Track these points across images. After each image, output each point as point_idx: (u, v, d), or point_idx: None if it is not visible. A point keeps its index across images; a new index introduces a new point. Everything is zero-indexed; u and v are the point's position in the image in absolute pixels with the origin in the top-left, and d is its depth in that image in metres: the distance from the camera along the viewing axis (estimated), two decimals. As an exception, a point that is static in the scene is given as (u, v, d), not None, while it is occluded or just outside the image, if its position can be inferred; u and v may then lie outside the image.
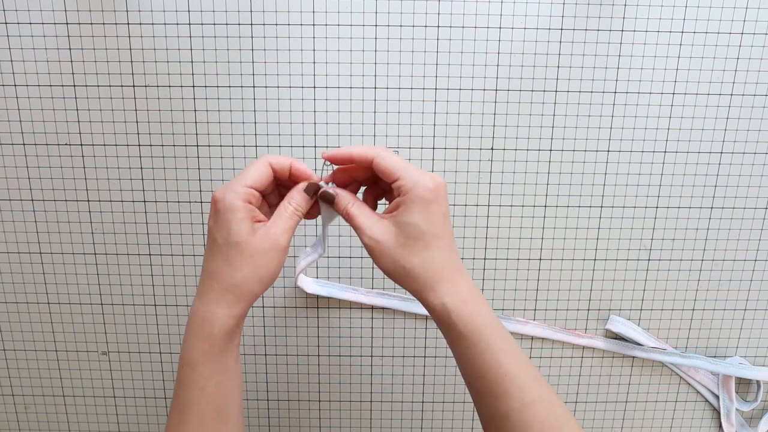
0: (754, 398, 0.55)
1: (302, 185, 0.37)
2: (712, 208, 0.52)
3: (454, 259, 0.36)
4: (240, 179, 0.35)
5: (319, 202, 0.38)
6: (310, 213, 0.39)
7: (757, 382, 0.55)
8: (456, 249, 0.36)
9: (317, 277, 0.53)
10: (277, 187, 0.39)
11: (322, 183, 0.37)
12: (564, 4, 0.47)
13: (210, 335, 0.35)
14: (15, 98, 0.49)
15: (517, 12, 0.47)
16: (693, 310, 0.54)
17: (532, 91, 0.49)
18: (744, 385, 0.56)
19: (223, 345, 0.35)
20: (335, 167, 0.39)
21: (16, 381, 0.56)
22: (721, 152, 0.50)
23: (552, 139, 0.50)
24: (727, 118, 0.49)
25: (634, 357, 0.55)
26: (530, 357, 0.55)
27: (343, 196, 0.37)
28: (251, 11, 0.47)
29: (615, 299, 0.54)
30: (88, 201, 0.51)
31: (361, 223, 0.36)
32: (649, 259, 0.53)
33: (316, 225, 0.51)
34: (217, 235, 0.35)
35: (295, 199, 0.36)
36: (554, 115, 0.49)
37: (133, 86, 0.49)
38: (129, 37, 0.47)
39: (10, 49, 0.48)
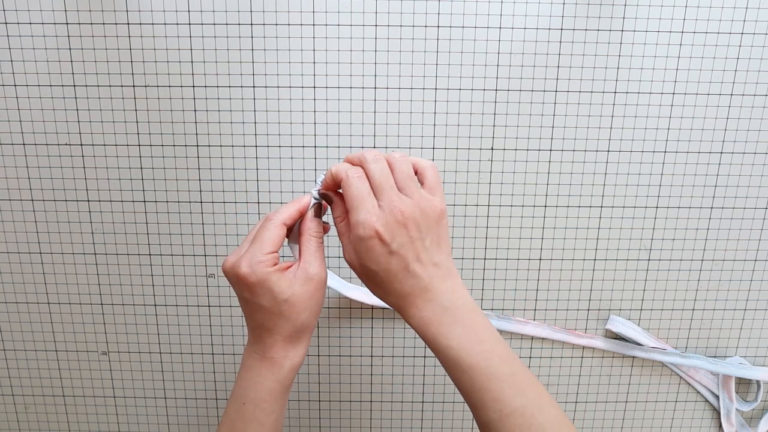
0: (754, 398, 0.55)
1: (310, 213, 0.38)
2: (712, 208, 0.52)
3: (418, 285, 0.36)
4: (259, 247, 0.36)
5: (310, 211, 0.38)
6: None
7: (757, 382, 0.55)
8: (421, 274, 0.36)
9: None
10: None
11: (314, 191, 0.38)
12: (564, 4, 0.47)
13: (279, 375, 0.37)
14: (15, 98, 0.49)
15: (517, 12, 0.47)
16: (693, 310, 0.54)
17: (532, 91, 0.49)
18: (744, 385, 0.56)
19: (289, 383, 0.38)
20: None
21: (16, 381, 0.56)
22: (721, 152, 0.50)
23: (552, 139, 0.50)
24: (727, 118, 0.49)
25: (634, 357, 0.55)
26: (530, 357, 0.55)
27: (337, 206, 0.37)
28: (251, 11, 0.47)
29: (615, 299, 0.54)
30: (88, 201, 0.51)
31: (342, 243, 0.37)
32: (649, 259, 0.53)
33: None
34: (262, 301, 0.36)
35: (312, 228, 0.37)
36: (554, 115, 0.49)
37: (133, 86, 0.49)
38: (129, 37, 0.47)
39: (10, 49, 0.48)
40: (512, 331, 0.54)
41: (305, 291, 0.36)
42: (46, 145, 0.50)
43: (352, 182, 0.35)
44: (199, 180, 0.51)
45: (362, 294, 0.52)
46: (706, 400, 0.56)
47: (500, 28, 0.47)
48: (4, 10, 0.47)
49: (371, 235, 0.34)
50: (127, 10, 0.47)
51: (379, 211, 0.34)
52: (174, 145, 0.50)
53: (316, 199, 0.38)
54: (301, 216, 0.38)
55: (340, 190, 0.37)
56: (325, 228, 0.40)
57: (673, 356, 0.53)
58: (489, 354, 0.35)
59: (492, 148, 0.50)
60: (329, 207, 0.38)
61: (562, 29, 0.47)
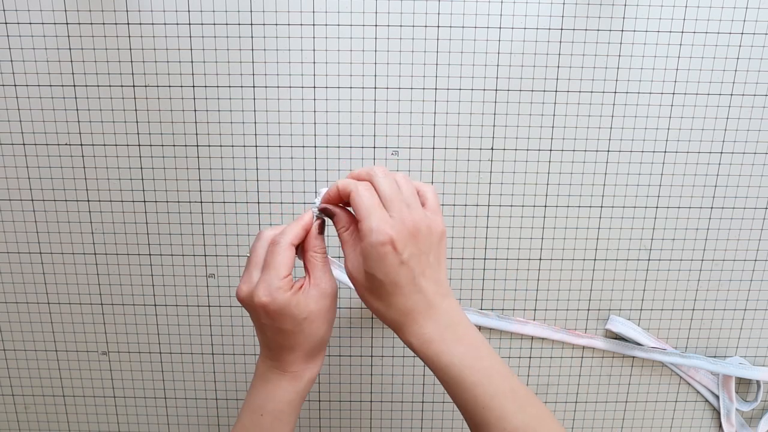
0: (754, 398, 0.55)
1: (314, 230, 0.38)
2: (712, 208, 0.52)
3: (422, 300, 0.36)
4: (275, 274, 0.35)
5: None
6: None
7: (757, 382, 0.55)
8: (426, 289, 0.36)
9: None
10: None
11: (316, 204, 0.38)
12: (564, 4, 0.47)
13: (297, 388, 0.39)
14: (15, 98, 0.49)
15: (517, 12, 0.47)
16: (693, 310, 0.54)
17: (532, 91, 0.49)
18: (744, 385, 0.56)
19: (307, 392, 0.39)
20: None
21: (16, 381, 0.56)
22: (721, 152, 0.50)
23: (552, 139, 0.50)
24: (727, 118, 0.49)
25: (634, 357, 0.55)
26: (530, 357, 0.55)
27: (340, 218, 0.37)
28: (251, 11, 0.47)
29: (615, 299, 0.54)
30: (88, 201, 0.51)
31: (346, 254, 0.37)
32: (649, 259, 0.53)
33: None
34: (283, 325, 0.36)
35: (317, 245, 0.38)
36: (554, 115, 0.49)
37: (133, 86, 0.49)
38: (129, 37, 0.47)
39: (10, 49, 0.48)
40: (512, 331, 0.54)
41: (321, 306, 0.37)
42: (46, 145, 0.50)
43: (363, 193, 0.35)
44: (199, 180, 0.51)
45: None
46: (706, 400, 0.56)
47: (500, 28, 0.47)
48: (4, 10, 0.47)
49: (385, 241, 0.33)
50: (127, 10, 0.47)
51: (391, 219, 0.34)
52: (174, 145, 0.50)
53: (317, 215, 0.38)
54: (307, 234, 0.38)
55: (341, 205, 0.38)
56: (330, 212, 0.39)
57: (673, 356, 0.53)
58: (490, 371, 0.36)
59: (492, 148, 0.50)
60: (331, 220, 0.38)
61: (562, 29, 0.47)
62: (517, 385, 0.36)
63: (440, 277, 0.37)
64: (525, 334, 0.54)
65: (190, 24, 0.47)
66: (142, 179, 0.51)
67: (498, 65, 0.48)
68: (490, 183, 0.51)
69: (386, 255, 0.34)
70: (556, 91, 0.49)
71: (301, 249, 0.38)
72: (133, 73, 0.48)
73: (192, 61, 0.48)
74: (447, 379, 0.36)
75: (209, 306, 0.54)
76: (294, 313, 0.36)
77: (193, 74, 0.48)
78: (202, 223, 0.52)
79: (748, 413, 0.57)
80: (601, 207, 0.51)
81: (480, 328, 0.54)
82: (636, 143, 0.50)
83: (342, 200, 0.37)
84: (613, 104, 0.49)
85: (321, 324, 0.37)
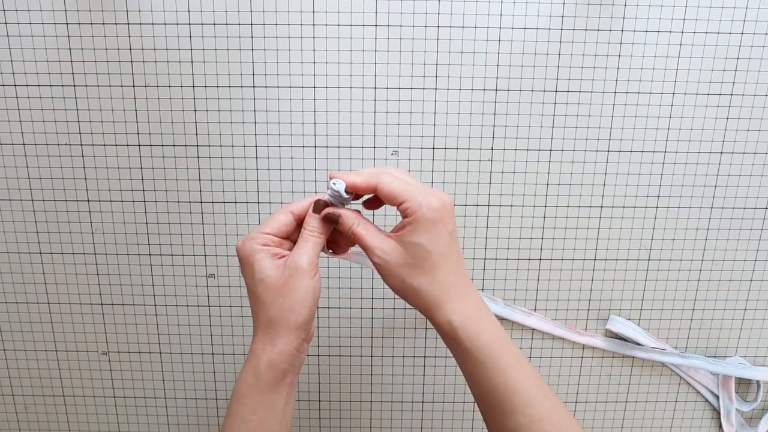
0: (754, 398, 0.55)
1: (310, 209, 0.37)
2: (712, 208, 0.52)
3: (462, 277, 0.36)
4: (259, 228, 0.37)
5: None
6: (341, 248, 0.40)
7: (757, 382, 0.55)
8: (464, 267, 0.37)
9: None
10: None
11: (328, 194, 0.37)
12: (564, 4, 0.47)
13: (256, 369, 0.36)
14: (15, 98, 0.49)
15: (517, 12, 0.47)
16: (693, 310, 0.54)
17: (532, 91, 0.49)
18: (744, 385, 0.56)
19: (270, 381, 0.36)
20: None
21: (16, 381, 0.56)
22: (721, 152, 0.50)
23: (552, 139, 0.50)
24: (727, 118, 0.49)
25: (634, 357, 0.55)
26: (530, 357, 0.55)
27: (348, 216, 0.37)
28: (251, 11, 0.47)
29: (615, 299, 0.54)
30: (88, 201, 0.51)
31: (369, 243, 0.36)
32: (649, 259, 0.53)
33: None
34: (247, 280, 0.36)
35: (308, 222, 0.37)
36: (554, 115, 0.49)
37: (133, 86, 0.49)
38: (129, 37, 0.47)
39: (10, 49, 0.48)
40: (515, 320, 0.53)
41: (282, 277, 0.35)
42: (46, 145, 0.50)
43: (393, 178, 0.35)
44: (199, 180, 0.51)
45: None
46: (706, 400, 0.56)
47: (500, 28, 0.47)
48: (4, 10, 0.47)
49: (438, 208, 0.34)
50: (127, 10, 0.47)
51: (431, 195, 0.35)
52: (174, 145, 0.50)
53: (331, 195, 0.37)
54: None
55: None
56: (341, 248, 0.40)
57: (672, 356, 0.53)
58: (519, 354, 0.36)
59: (492, 148, 0.50)
60: (336, 223, 0.37)
61: (562, 29, 0.47)
62: (538, 373, 0.36)
63: None
64: (527, 325, 0.54)
65: (190, 24, 0.47)
66: (142, 179, 0.51)
67: (498, 65, 0.48)
68: (490, 183, 0.51)
69: (437, 224, 0.34)
70: (556, 91, 0.49)
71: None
72: (133, 73, 0.48)
73: (192, 61, 0.48)
74: (483, 359, 0.35)
75: (209, 306, 0.54)
76: (254, 269, 0.35)
77: (193, 74, 0.48)
78: (202, 223, 0.52)
79: (748, 413, 0.57)
80: (601, 207, 0.51)
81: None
82: (636, 143, 0.50)
83: (360, 193, 0.37)
84: (613, 104, 0.49)
85: (275, 296, 0.35)
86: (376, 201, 0.40)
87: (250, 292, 0.37)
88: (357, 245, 0.38)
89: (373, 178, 0.36)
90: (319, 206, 0.37)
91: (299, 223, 0.38)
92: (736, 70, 0.48)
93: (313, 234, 0.37)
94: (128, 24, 0.47)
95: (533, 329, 0.54)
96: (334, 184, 0.36)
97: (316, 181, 0.51)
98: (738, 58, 0.48)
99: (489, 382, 0.35)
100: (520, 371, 0.35)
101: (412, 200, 0.34)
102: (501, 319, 0.54)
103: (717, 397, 0.56)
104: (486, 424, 0.37)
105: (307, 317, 0.36)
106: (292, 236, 0.38)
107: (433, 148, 0.50)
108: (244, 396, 0.36)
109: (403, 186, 0.35)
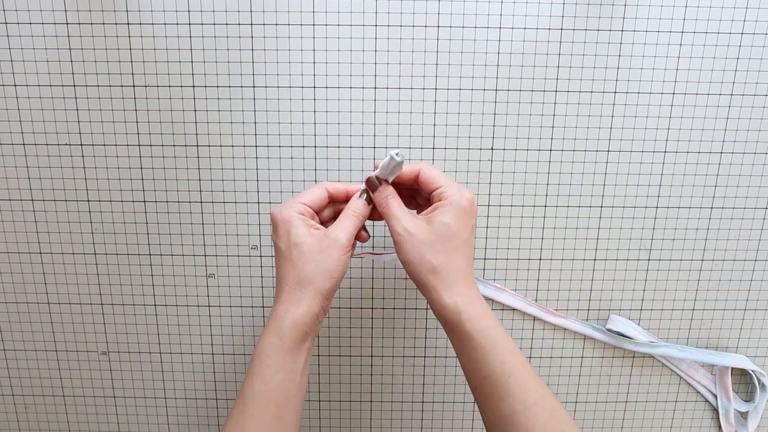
0: (752, 398, 0.55)
1: (357, 193, 0.41)
2: (712, 208, 0.52)
3: (471, 268, 0.39)
4: (296, 197, 0.40)
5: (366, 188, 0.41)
6: (375, 215, 0.43)
7: (755, 382, 0.55)
8: (473, 261, 0.40)
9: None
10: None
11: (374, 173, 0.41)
12: (564, 4, 0.47)
13: (280, 329, 0.37)
14: (15, 98, 0.49)
15: (517, 12, 0.47)
16: (693, 310, 0.54)
17: (532, 91, 0.49)
18: (744, 385, 0.56)
19: (292, 342, 0.38)
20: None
21: (16, 381, 0.56)
22: (721, 152, 0.50)
23: (552, 139, 0.50)
24: (727, 118, 0.49)
25: (633, 357, 0.55)
26: (530, 357, 0.55)
27: (386, 187, 0.41)
28: (251, 11, 0.47)
29: (615, 299, 0.54)
30: (88, 201, 0.51)
31: (398, 213, 0.39)
32: (649, 259, 0.53)
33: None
34: (280, 244, 0.39)
35: (353, 203, 0.41)
36: (554, 115, 0.49)
37: (133, 86, 0.49)
38: (129, 37, 0.47)
39: (10, 49, 0.48)
40: (486, 295, 0.53)
41: (319, 244, 0.38)
42: (46, 145, 0.50)
43: (433, 167, 0.40)
44: (199, 180, 0.51)
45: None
46: (706, 400, 0.56)
47: (500, 28, 0.47)
48: (4, 10, 0.47)
49: (471, 199, 0.39)
50: (127, 10, 0.47)
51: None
52: (174, 145, 0.50)
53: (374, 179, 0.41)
54: (347, 193, 0.41)
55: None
56: (363, 237, 0.43)
57: (643, 346, 0.53)
58: (513, 342, 0.38)
59: (492, 148, 0.50)
60: (373, 191, 0.41)
61: (562, 29, 0.47)
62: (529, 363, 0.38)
63: None
64: (498, 301, 0.53)
65: (190, 24, 0.47)
66: (142, 179, 0.51)
67: (498, 65, 0.48)
68: (490, 183, 0.51)
69: (466, 213, 0.38)
70: (556, 91, 0.49)
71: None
72: (133, 73, 0.48)
73: (192, 61, 0.48)
74: (483, 343, 0.37)
75: (209, 306, 0.54)
76: (290, 233, 0.38)
77: (193, 74, 0.48)
78: (202, 223, 0.52)
79: (747, 413, 0.57)
80: (601, 207, 0.51)
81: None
82: (636, 143, 0.50)
83: (403, 177, 0.41)
84: (613, 104, 0.49)
85: (310, 259, 0.38)
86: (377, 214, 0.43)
87: (282, 255, 0.39)
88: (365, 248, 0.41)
89: (416, 165, 0.40)
90: (371, 183, 0.41)
91: (331, 200, 0.41)
92: (736, 70, 0.48)
93: (355, 213, 0.40)
94: (128, 24, 0.47)
95: (511, 308, 0.54)
96: (397, 155, 0.39)
97: (315, 181, 0.51)
98: (738, 58, 0.48)
99: (487, 366, 0.37)
100: (517, 357, 0.37)
101: (449, 187, 0.39)
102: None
103: (716, 396, 0.56)
104: (481, 411, 0.38)
105: (333, 286, 0.39)
106: (322, 213, 0.42)
107: (433, 148, 0.50)
108: (267, 356, 0.37)
109: (441, 174, 0.40)
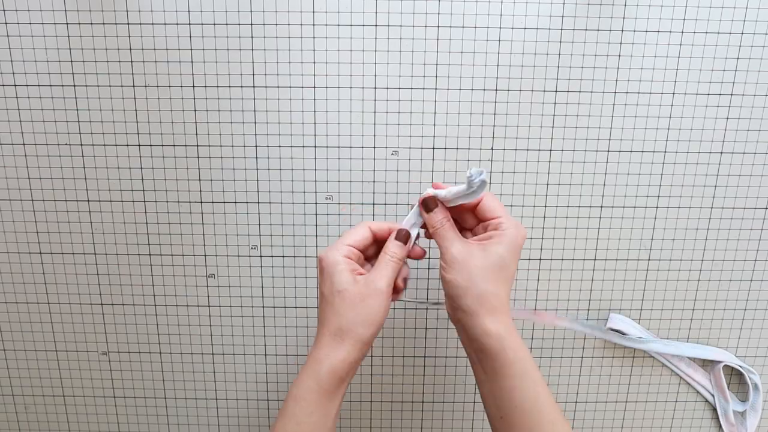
0: (748, 398, 0.55)
1: (394, 234, 0.41)
2: (712, 208, 0.52)
3: (508, 300, 0.40)
4: (341, 240, 0.40)
5: (420, 209, 0.41)
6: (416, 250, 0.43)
7: (751, 382, 0.55)
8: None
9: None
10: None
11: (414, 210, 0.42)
12: (564, 4, 0.47)
13: (317, 374, 0.38)
14: (15, 98, 0.49)
15: (517, 12, 0.47)
16: (693, 309, 0.54)
17: (532, 91, 0.49)
18: (743, 385, 0.56)
19: (329, 387, 0.38)
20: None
21: (16, 381, 0.56)
22: (721, 152, 0.50)
23: (552, 139, 0.50)
24: (727, 118, 0.49)
25: (633, 357, 0.55)
26: (530, 357, 0.55)
27: (442, 209, 0.41)
28: (251, 11, 0.47)
29: (615, 299, 0.54)
30: (88, 201, 0.51)
31: (454, 236, 0.40)
32: (649, 259, 0.53)
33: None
34: (324, 289, 0.39)
35: (390, 248, 0.41)
36: (554, 115, 0.49)
37: (133, 86, 0.49)
38: (129, 37, 0.47)
39: (10, 49, 0.48)
40: None
41: (359, 292, 0.38)
42: (46, 145, 0.50)
43: (494, 197, 0.41)
44: (199, 180, 0.51)
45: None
46: (706, 400, 0.56)
47: (500, 28, 0.47)
48: (4, 10, 0.47)
49: (524, 236, 0.40)
50: (127, 10, 0.47)
51: None
52: (174, 145, 0.50)
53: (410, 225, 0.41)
54: (389, 231, 0.41)
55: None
56: (418, 253, 0.43)
57: (631, 341, 0.53)
58: (541, 374, 0.39)
59: (492, 148, 0.50)
60: (426, 214, 0.41)
61: (562, 29, 0.47)
62: None
63: None
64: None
65: (190, 24, 0.47)
66: (142, 179, 0.51)
67: (498, 65, 0.48)
68: (490, 183, 0.51)
69: (518, 248, 0.39)
70: (556, 91, 0.49)
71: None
72: (133, 73, 0.48)
73: (192, 61, 0.48)
74: (521, 372, 0.37)
75: (209, 306, 0.54)
76: (334, 279, 0.38)
77: (193, 74, 0.48)
78: (202, 223, 0.52)
79: (745, 413, 0.57)
80: (601, 207, 0.51)
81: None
82: (636, 143, 0.50)
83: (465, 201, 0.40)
84: (613, 104, 0.49)
85: (351, 308, 0.38)
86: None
87: (325, 300, 0.39)
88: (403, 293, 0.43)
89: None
90: (401, 235, 0.41)
91: (377, 240, 0.42)
92: (736, 70, 0.48)
93: (393, 259, 0.40)
94: (128, 24, 0.47)
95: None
96: (480, 173, 0.37)
97: (315, 181, 0.51)
98: (738, 58, 0.48)
99: (520, 396, 0.37)
100: (547, 390, 0.38)
101: (508, 219, 0.39)
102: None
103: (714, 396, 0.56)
104: None
105: (374, 333, 0.39)
106: (367, 251, 0.42)
107: (433, 148, 0.50)
108: (302, 399, 0.38)
109: (501, 205, 0.40)
